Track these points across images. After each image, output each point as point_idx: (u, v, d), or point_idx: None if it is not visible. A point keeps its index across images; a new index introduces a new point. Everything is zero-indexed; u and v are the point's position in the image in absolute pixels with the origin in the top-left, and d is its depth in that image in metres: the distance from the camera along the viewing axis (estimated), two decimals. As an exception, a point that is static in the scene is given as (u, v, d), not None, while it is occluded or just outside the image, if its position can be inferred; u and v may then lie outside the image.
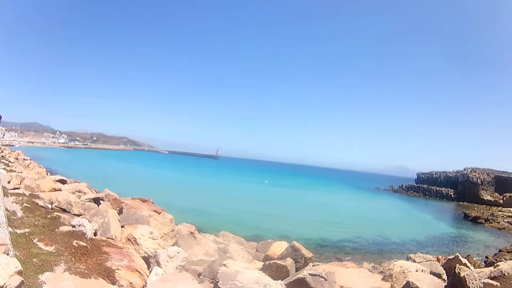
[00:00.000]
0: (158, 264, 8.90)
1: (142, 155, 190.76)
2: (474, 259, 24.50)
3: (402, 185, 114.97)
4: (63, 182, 18.64)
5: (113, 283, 7.03)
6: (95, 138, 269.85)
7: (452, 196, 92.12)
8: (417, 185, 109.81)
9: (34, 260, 6.63)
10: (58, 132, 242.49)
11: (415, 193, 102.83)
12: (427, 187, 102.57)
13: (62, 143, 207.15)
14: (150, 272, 8.44)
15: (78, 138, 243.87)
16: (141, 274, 8.04)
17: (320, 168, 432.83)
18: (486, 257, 25.51)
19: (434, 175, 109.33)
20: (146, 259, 9.22)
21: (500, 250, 31.11)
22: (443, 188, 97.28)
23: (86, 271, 6.96)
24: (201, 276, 9.83)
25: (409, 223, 47.55)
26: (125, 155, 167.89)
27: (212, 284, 9.14)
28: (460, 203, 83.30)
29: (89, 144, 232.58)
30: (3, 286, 3.45)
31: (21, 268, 4.06)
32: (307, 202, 57.62)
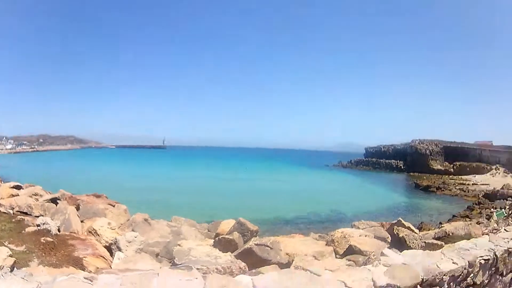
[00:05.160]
0: (119, 249, 9.94)
1: (90, 153, 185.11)
2: (428, 225, 25.01)
3: (351, 160, 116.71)
4: (18, 188, 18.74)
5: (82, 269, 8.04)
6: (41, 140, 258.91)
7: (402, 167, 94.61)
8: (366, 159, 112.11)
9: (9, 260, 7.49)
10: (4, 138, 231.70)
11: (364, 167, 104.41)
12: (376, 160, 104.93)
13: (10, 148, 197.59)
14: (113, 257, 9.50)
15: (25, 142, 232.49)
16: (106, 260, 9.19)
17: (263, 149, 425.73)
18: (440, 223, 25.49)
19: (382, 149, 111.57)
20: (108, 247, 10.25)
21: (453, 216, 32.29)
22: (393, 161, 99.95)
23: (57, 262, 7.98)
24: (159, 257, 10.64)
25: (361, 195, 48.43)
26: (73, 154, 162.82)
27: (170, 262, 9.96)
28: (411, 173, 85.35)
29: (36, 147, 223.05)
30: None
31: (11, 252, 5.00)
32: (257, 183, 57.91)
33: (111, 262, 9.21)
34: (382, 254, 4.88)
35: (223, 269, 8.68)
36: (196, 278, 3.44)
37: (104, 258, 9.17)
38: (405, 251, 5.31)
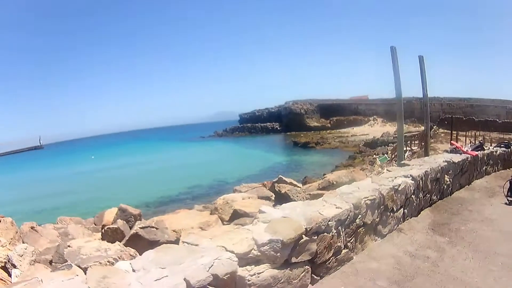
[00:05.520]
0: (14, 266, 9.94)
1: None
2: (312, 179, 25.02)
3: (226, 129, 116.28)
4: None
5: (-15, 297, 8.27)
6: None
7: (278, 128, 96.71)
8: (241, 125, 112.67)
9: None
10: None
11: (240, 133, 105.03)
12: (251, 125, 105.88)
13: None
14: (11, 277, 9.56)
15: None
16: (5, 281, 9.21)
17: (139, 131, 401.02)
18: (323, 174, 25.89)
19: (257, 113, 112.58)
20: (4, 268, 10.10)
21: (336, 166, 33.90)
22: (268, 123, 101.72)
23: (-40, 297, 8.08)
24: (53, 263, 10.22)
25: (241, 161, 48.72)
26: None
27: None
28: (288, 133, 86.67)
29: None
30: None
31: None
32: (134, 167, 56.18)
33: (11, 282, 9.00)
34: (260, 211, 4.91)
35: (114, 260, 8.81)
36: (77, 275, 3.40)
37: (3, 280, 9.20)
38: (283, 204, 5.38)
